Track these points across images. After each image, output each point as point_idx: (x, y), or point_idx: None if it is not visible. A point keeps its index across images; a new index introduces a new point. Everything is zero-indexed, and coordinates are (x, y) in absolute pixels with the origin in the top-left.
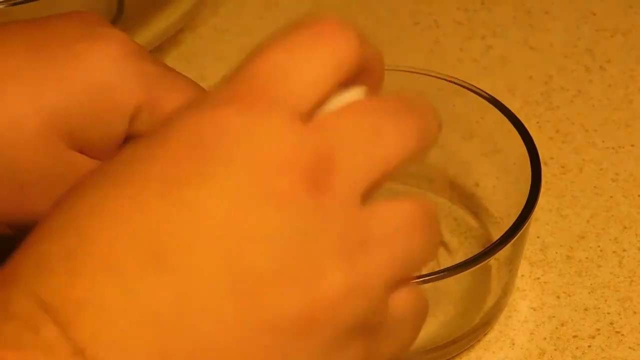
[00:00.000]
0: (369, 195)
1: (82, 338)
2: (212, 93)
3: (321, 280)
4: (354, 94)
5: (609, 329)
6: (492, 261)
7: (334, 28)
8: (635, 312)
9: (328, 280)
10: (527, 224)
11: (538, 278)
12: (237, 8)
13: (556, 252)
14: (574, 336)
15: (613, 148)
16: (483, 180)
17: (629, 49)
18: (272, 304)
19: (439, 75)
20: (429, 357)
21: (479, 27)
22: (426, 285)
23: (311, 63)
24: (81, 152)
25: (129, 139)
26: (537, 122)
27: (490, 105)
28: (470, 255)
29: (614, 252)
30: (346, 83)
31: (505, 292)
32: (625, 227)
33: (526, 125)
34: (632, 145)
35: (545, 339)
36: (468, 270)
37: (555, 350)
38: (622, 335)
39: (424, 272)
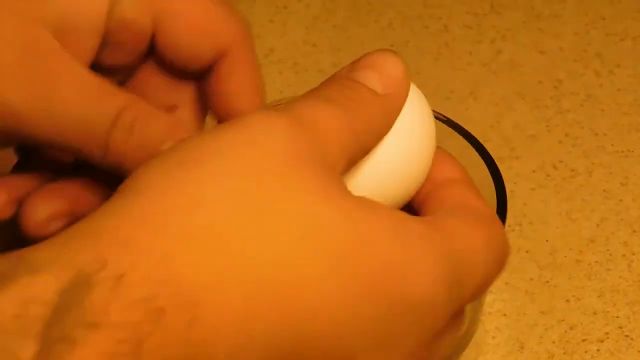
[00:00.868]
0: None
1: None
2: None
3: None
4: None
5: (618, 332)
6: None
7: None
8: None
9: None
10: None
11: (547, 281)
12: (246, 10)
13: (565, 256)
14: (583, 340)
15: (622, 152)
16: None
17: (638, 53)
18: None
19: None
20: None
21: (488, 31)
22: None
23: None
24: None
25: (109, 30)
26: (547, 126)
27: (450, 129)
28: None
29: (623, 255)
30: None
31: (473, 321)
32: (635, 231)
33: (536, 129)
34: None
35: (554, 342)
36: None
37: (564, 353)
38: (632, 339)
39: None
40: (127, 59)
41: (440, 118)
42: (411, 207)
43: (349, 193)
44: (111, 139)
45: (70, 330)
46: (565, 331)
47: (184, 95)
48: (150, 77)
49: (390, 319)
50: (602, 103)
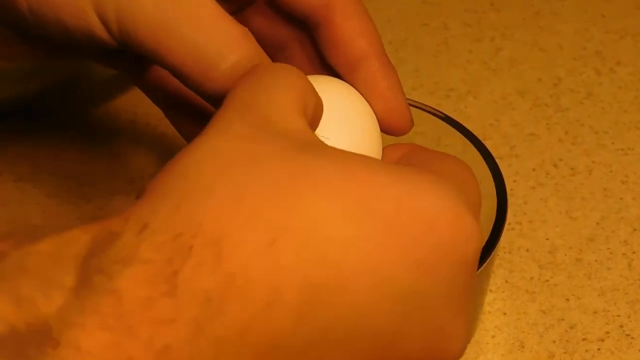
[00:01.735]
0: None
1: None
2: None
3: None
4: None
5: (619, 331)
6: None
7: None
8: None
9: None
10: (489, 259)
11: (547, 280)
12: None
13: (565, 255)
14: (584, 339)
15: (623, 150)
16: None
17: (639, 51)
18: None
19: None
20: None
21: (487, 29)
22: None
23: None
24: None
25: None
26: (547, 124)
27: (450, 127)
28: None
29: (623, 254)
30: None
31: (473, 321)
32: (635, 230)
33: (535, 128)
34: None
35: (554, 341)
36: None
37: (564, 353)
38: (632, 338)
39: None
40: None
41: (439, 116)
42: None
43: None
44: (225, 77)
45: (106, 266)
46: (566, 330)
47: (292, 41)
48: (260, 20)
49: (437, 269)
50: (602, 101)
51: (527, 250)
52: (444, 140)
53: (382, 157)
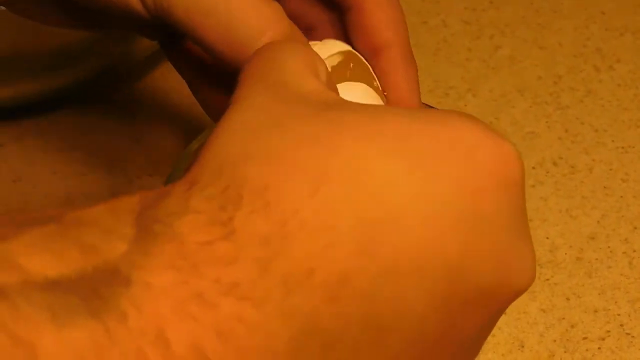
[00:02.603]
0: None
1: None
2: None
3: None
4: None
5: (619, 330)
6: None
7: None
8: None
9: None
10: None
11: (547, 279)
12: None
13: (566, 253)
14: (584, 338)
15: (623, 148)
16: None
17: (639, 48)
18: None
19: None
20: None
21: (487, 27)
22: None
23: None
24: None
25: None
26: (547, 122)
27: None
28: None
29: (624, 253)
30: None
31: None
32: (636, 228)
33: (535, 126)
34: None
35: (555, 341)
36: None
37: (565, 352)
38: (633, 337)
39: None
40: None
41: None
42: None
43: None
44: None
45: (162, 217)
46: (566, 329)
47: (323, 22)
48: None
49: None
50: (602, 99)
51: None
52: None
53: None
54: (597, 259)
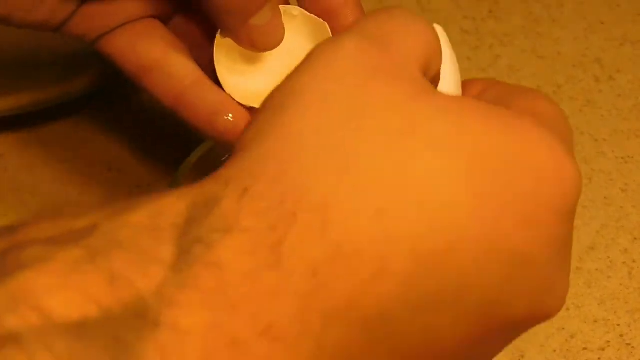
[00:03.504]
0: None
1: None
2: None
3: None
4: None
5: (619, 340)
6: None
7: None
8: None
9: None
10: None
11: None
12: None
13: None
14: (584, 348)
15: (622, 158)
16: None
17: (639, 58)
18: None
19: None
20: None
21: (486, 36)
22: None
23: None
24: None
25: None
26: None
27: None
28: None
29: (623, 263)
30: None
31: None
32: (636, 238)
33: None
34: None
35: (555, 351)
36: None
37: None
38: (633, 347)
39: None
40: None
41: None
42: None
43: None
44: None
45: (205, 235)
46: (566, 339)
47: None
48: None
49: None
50: (601, 108)
51: None
52: None
53: (461, 93)
54: (596, 269)
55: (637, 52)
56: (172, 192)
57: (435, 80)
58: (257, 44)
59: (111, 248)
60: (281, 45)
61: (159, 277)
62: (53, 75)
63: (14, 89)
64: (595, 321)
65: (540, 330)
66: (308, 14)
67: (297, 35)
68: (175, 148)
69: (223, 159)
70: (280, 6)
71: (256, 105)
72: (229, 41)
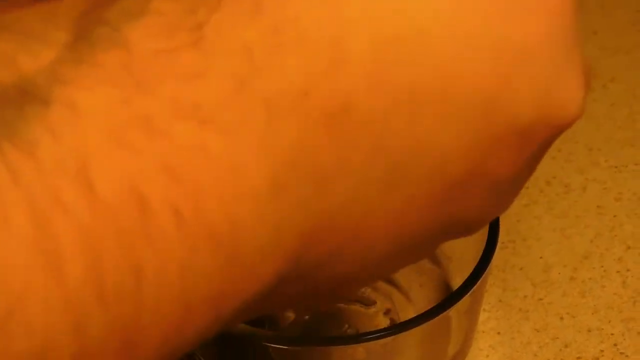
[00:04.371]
0: None
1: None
2: None
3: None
4: None
5: (613, 350)
6: (452, 312)
7: None
8: (639, 333)
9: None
10: (482, 278)
11: (541, 299)
12: None
13: (559, 273)
14: (578, 357)
15: (617, 167)
16: None
17: (632, 67)
18: None
19: None
20: None
21: None
22: (385, 340)
23: None
24: None
25: None
26: None
27: None
28: (429, 302)
29: (617, 272)
30: None
31: (466, 340)
32: (629, 247)
33: None
34: (636, 164)
35: None
36: (426, 323)
37: None
38: (627, 356)
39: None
40: None
41: None
42: None
43: None
44: None
45: (111, 18)
46: (560, 349)
47: None
48: None
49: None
50: (596, 118)
51: (521, 269)
52: None
53: None
54: (590, 278)
55: (631, 61)
56: None
57: None
58: None
59: None
60: None
61: (50, 57)
62: None
63: None
64: (589, 330)
65: (533, 340)
66: None
67: None
68: None
69: None
70: None
71: None
72: None
